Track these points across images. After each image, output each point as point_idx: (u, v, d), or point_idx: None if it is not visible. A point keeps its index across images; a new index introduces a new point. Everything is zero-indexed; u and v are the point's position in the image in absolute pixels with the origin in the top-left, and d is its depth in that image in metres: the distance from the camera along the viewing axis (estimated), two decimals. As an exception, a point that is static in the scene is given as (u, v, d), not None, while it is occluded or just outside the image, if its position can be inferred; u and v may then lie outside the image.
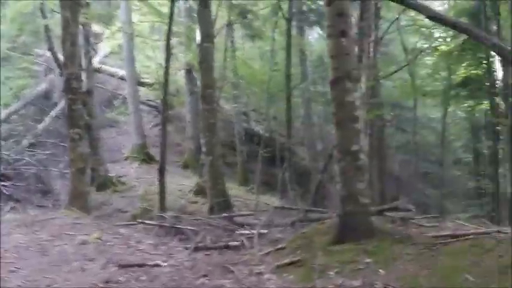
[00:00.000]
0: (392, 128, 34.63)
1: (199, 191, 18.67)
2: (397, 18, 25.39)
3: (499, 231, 8.72)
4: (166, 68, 16.12)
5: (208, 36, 16.36)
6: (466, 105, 29.05)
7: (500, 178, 23.29)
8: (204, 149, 16.51)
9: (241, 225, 13.58)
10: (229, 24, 24.96)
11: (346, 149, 8.75)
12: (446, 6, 29.87)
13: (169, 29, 16.15)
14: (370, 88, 20.50)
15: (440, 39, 28.35)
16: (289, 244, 9.51)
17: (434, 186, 32.79)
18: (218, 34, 23.63)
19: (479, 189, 26.70)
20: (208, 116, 16.23)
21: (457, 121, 33.59)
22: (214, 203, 15.86)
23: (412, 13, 22.96)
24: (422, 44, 30.72)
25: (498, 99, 23.33)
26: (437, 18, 14.84)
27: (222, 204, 15.87)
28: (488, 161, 25.61)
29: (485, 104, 24.59)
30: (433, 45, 28.88)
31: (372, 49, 21.16)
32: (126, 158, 24.18)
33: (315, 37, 37.89)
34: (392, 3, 20.11)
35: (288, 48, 21.68)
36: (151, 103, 28.79)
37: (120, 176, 21.04)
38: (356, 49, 17.50)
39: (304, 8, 27.86)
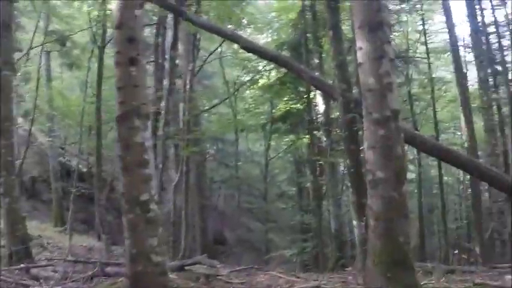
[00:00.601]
0: (215, 163, 33.99)
1: (6, 233, 16.64)
2: (217, 49, 24.68)
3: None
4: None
5: (7, 64, 14.44)
6: (287, 139, 28.73)
7: (323, 213, 22.92)
8: (1, 189, 14.49)
9: (37, 279, 11.91)
10: (45, 51, 23.14)
11: (135, 198, 7.35)
12: (269, 38, 29.57)
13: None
14: (187, 122, 19.45)
15: (263, 73, 27.97)
16: (77, 310, 8.19)
17: (259, 220, 32.34)
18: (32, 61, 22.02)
19: (303, 224, 26.22)
20: (5, 152, 14.25)
21: (280, 155, 33.26)
22: (13, 252, 13.88)
23: (236, 45, 22.28)
24: (244, 77, 30.34)
25: (319, 134, 23.03)
26: (254, 50, 14.21)
27: (22, 252, 13.95)
28: (312, 195, 25.23)
29: (307, 139, 24.21)
30: (254, 78, 28.46)
31: (188, 81, 20.17)
32: None
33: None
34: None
35: (100, 78, 20.13)
36: None
37: None
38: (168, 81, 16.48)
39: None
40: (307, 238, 23.83)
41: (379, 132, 6.22)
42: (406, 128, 9.57)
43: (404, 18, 27.54)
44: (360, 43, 6.51)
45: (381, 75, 6.32)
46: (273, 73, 26.72)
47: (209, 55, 24.73)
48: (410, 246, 6.28)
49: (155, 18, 21.13)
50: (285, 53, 22.82)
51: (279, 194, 33.06)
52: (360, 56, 6.50)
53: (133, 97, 7.44)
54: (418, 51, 28.73)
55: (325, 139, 22.27)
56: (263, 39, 30.46)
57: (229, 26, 22.23)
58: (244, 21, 26.07)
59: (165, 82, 18.94)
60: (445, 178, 30.25)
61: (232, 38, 14.44)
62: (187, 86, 20.18)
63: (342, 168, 22.70)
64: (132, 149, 7.36)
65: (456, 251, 30.17)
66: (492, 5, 24.65)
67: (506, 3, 24.65)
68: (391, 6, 24.82)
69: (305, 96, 23.02)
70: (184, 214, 20.05)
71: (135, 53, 7.55)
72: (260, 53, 14.61)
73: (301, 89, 23.23)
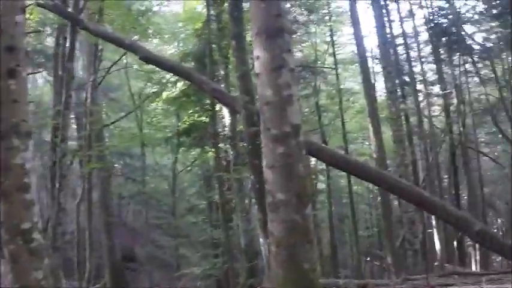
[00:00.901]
0: (122, 178, 33.07)
1: None
2: (120, 60, 23.89)
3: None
4: None
5: None
6: (194, 153, 28.17)
7: (233, 227, 22.42)
8: None
9: None
10: None
11: (15, 227, 6.53)
12: (177, 50, 28.91)
13: None
14: (88, 137, 18.60)
15: (167, 85, 27.24)
16: None
17: (171, 236, 31.62)
18: None
19: (214, 239, 25.67)
20: None
21: (188, 168, 32.62)
22: None
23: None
24: (149, 89, 29.61)
25: (226, 147, 22.55)
26: (154, 60, 13.54)
27: None
28: (221, 209, 24.72)
29: (212, 152, 23.70)
30: (158, 90, 27.70)
31: (90, 94, 19.34)
32: None
33: (41, 81, 35.55)
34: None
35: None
36: None
37: None
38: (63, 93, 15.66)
39: (29, 48, 25.16)
40: (218, 253, 23.30)
41: (278, 149, 5.66)
42: (313, 141, 9.12)
43: (313, 30, 27.59)
44: (257, 52, 5.95)
45: (280, 86, 5.76)
46: (179, 85, 26.10)
47: (111, 66, 23.86)
48: (317, 273, 5.75)
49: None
50: (190, 64, 22.27)
51: (189, 208, 32.43)
52: (258, 66, 5.93)
53: (13, 113, 6.58)
54: (326, 62, 28.80)
55: (231, 153, 21.84)
56: (170, 50, 29.83)
57: (135, 37, 21.51)
58: (150, 31, 25.33)
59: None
60: (355, 187, 30.44)
61: (131, 48, 13.70)
62: (89, 99, 19.35)
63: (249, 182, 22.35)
64: (11, 171, 6.55)
65: (368, 259, 30.42)
66: (400, 17, 25.10)
67: (414, 15, 25.13)
68: (299, 17, 24.78)
69: (210, 108, 22.52)
70: (88, 233, 19.18)
71: (14, 63, 6.70)
72: (160, 63, 13.97)
73: (207, 101, 22.75)
